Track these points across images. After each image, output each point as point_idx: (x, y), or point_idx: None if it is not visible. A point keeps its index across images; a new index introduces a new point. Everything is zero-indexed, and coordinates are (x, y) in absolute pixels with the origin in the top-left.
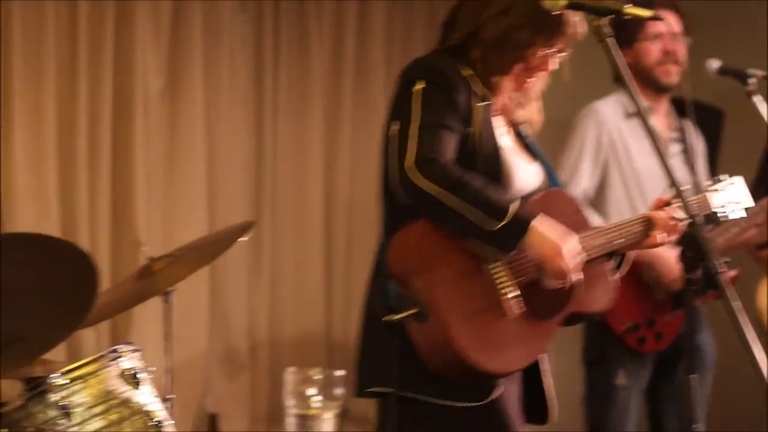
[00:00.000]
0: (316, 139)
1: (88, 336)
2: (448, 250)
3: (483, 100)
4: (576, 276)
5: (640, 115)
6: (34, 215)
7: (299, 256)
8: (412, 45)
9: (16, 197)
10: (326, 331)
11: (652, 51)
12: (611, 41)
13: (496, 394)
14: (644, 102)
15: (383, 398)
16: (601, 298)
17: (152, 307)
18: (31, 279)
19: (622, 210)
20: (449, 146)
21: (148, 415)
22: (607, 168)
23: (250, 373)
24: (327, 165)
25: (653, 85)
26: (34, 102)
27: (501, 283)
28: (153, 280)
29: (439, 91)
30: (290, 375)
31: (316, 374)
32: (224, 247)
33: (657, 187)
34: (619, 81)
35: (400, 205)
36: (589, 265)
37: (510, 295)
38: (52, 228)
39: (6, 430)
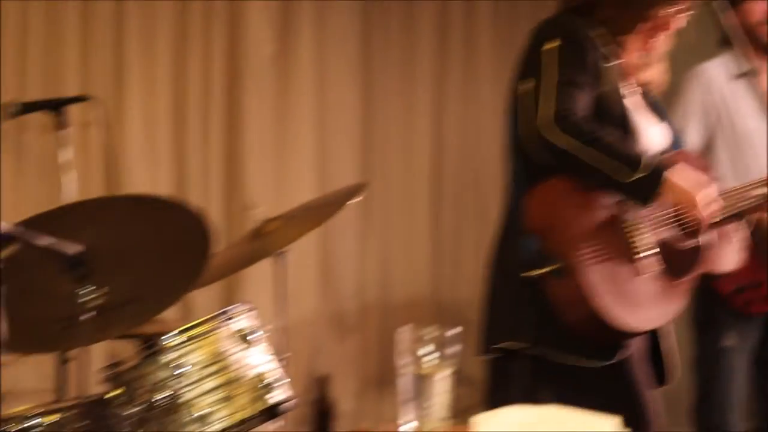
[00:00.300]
0: (425, 101)
1: (201, 297)
2: (586, 206)
3: (611, 60)
4: (711, 222)
5: (746, 75)
6: (147, 179)
7: (407, 218)
8: (519, 4)
9: (130, 162)
10: (435, 291)
11: (757, 11)
12: (720, 2)
13: (624, 354)
14: (751, 63)
15: (510, 356)
16: (729, 259)
17: (263, 268)
18: (147, 240)
19: (727, 172)
20: (583, 103)
21: (261, 375)
22: (713, 130)
23: (360, 335)
24: (435, 126)
25: (759, 46)
26: (149, 68)
27: (637, 240)
28: (265, 241)
29: (572, 50)
30: (404, 334)
31: (430, 333)
32: (335, 209)
33: (763, 149)
34: (725, 43)
35: (534, 163)
36: (717, 226)
37: (645, 253)
38: (164, 191)
39: (122, 389)
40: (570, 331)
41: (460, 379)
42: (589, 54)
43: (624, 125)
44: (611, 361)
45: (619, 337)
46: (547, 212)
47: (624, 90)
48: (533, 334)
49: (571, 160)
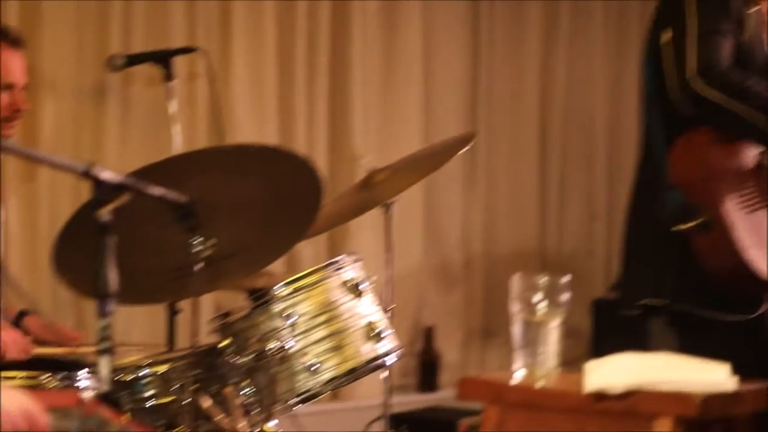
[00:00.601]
0: (533, 51)
1: (308, 248)
2: (731, 158)
3: (751, 7)
4: None
5: None
6: (253, 131)
7: (513, 170)
8: None
9: (236, 113)
10: (540, 243)
11: None
12: None
13: (764, 308)
14: None
15: (650, 311)
16: None
17: (368, 219)
18: (256, 190)
19: None
20: (728, 52)
21: (369, 325)
22: None
23: (465, 286)
24: (543, 77)
25: None
26: (255, 19)
27: None
28: (373, 192)
29: None
30: (515, 281)
31: (542, 280)
32: (442, 160)
33: None
34: None
35: (674, 114)
36: None
37: None
38: (270, 143)
39: (231, 339)
40: (712, 285)
41: (567, 330)
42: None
43: (765, 73)
44: (753, 315)
45: (765, 289)
46: (691, 165)
47: (765, 37)
48: (675, 289)
49: (717, 113)
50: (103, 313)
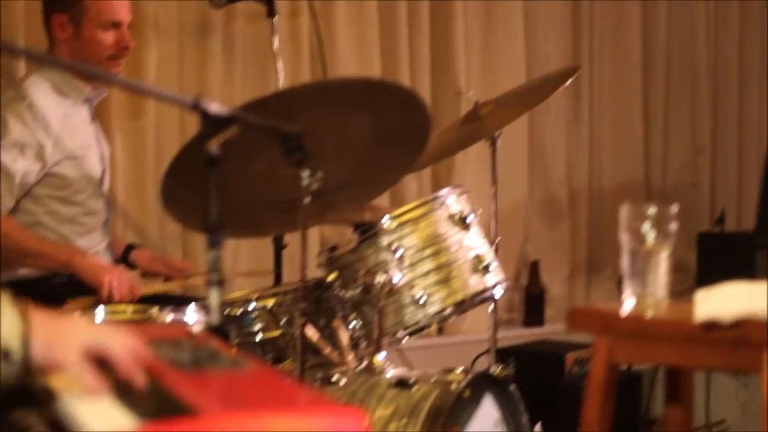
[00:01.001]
0: None
1: (411, 182)
2: None
3: None
4: None
5: None
6: (356, 67)
7: (617, 103)
8: None
9: (338, 49)
10: (645, 178)
11: None
12: None
13: None
14: None
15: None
16: None
17: (473, 153)
18: (363, 124)
19: None
20: None
21: (477, 258)
22: None
23: (570, 221)
24: (645, 8)
25: None
26: None
27: None
28: (478, 125)
29: None
30: (624, 210)
31: (650, 209)
32: (547, 93)
33: None
34: None
35: None
36: None
37: None
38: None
39: (337, 273)
40: None
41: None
42: None
43: None
44: None
45: None
46: None
47: None
48: None
49: None
50: (212, 245)
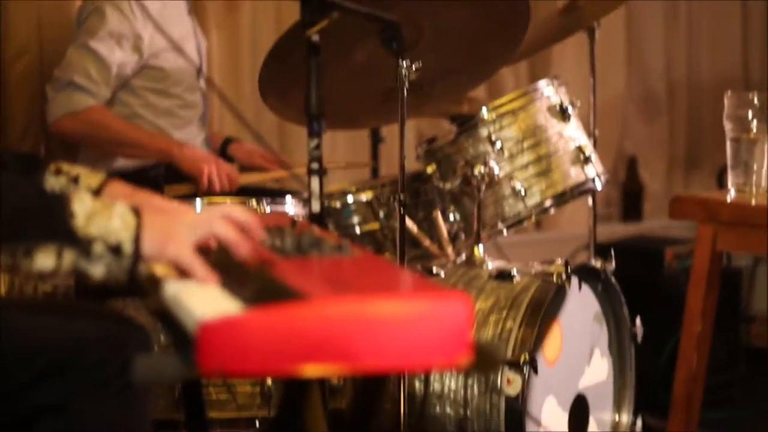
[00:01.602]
0: None
1: (508, 75)
2: None
3: None
4: None
5: None
6: None
7: None
8: None
9: None
10: (744, 74)
11: None
12: None
13: None
14: None
15: None
16: None
17: (570, 46)
18: (464, 12)
19: None
20: None
21: (578, 149)
22: None
23: (669, 116)
24: None
25: None
26: None
27: None
28: (575, 16)
29: None
30: (728, 98)
31: (755, 97)
32: None
33: None
34: None
35: None
36: None
37: None
38: None
39: (436, 165)
40: None
41: None
42: None
43: None
44: None
45: None
46: None
47: None
48: None
49: None
50: (312, 133)
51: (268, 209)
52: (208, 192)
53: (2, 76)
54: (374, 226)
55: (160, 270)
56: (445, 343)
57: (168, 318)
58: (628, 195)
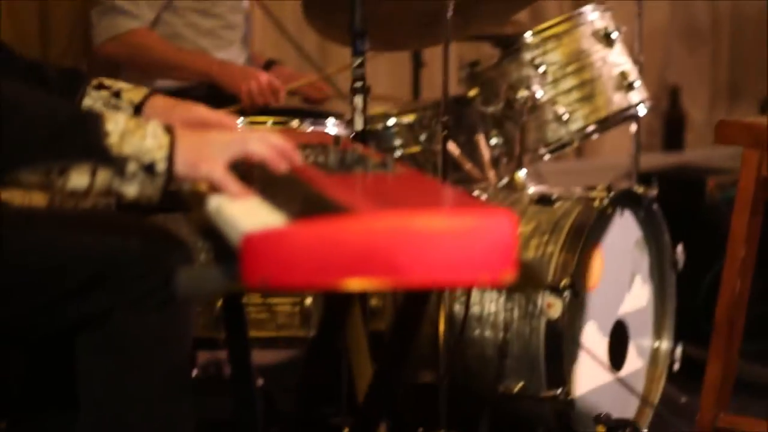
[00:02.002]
0: None
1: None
2: None
3: None
4: None
5: None
6: None
7: None
8: None
9: None
10: None
11: None
12: None
13: None
14: None
15: None
16: None
17: None
18: None
19: None
20: None
21: (622, 74)
22: None
23: (712, 46)
24: None
25: None
26: None
27: None
28: None
29: None
30: None
31: None
32: None
33: None
34: None
35: None
36: None
37: None
38: None
39: (478, 88)
40: None
41: None
42: None
43: None
44: None
45: None
46: None
47: None
48: None
49: None
50: (356, 52)
51: (312, 128)
52: (252, 106)
53: None
54: (415, 149)
55: (204, 186)
56: (490, 260)
57: (212, 233)
58: (670, 124)
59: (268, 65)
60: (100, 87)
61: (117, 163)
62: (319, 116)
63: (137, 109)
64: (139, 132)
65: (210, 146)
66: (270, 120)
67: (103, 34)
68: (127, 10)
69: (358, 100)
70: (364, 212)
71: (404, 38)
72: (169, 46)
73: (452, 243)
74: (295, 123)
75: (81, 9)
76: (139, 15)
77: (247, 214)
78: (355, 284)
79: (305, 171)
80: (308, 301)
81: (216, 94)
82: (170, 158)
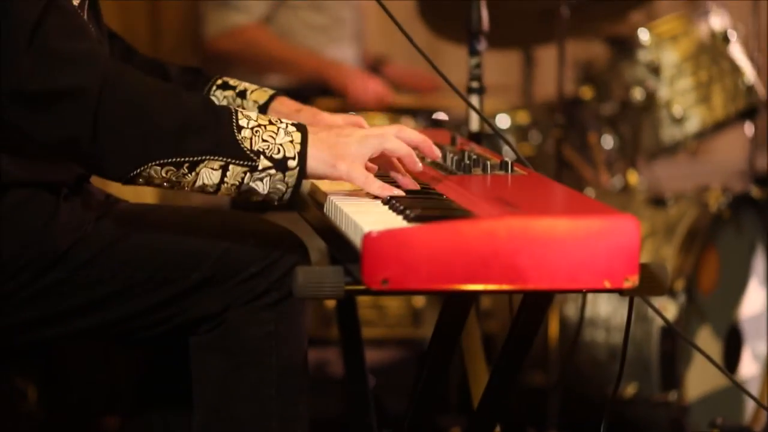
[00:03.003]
0: None
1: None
2: None
3: None
4: None
5: None
6: None
7: None
8: None
9: None
10: None
11: None
12: None
13: None
14: None
15: None
16: None
17: None
18: None
19: None
20: None
21: (739, 75)
22: None
23: None
24: None
25: None
26: None
27: None
28: None
29: None
30: None
31: None
32: None
33: None
34: None
35: None
36: None
37: None
38: None
39: (593, 88)
40: None
41: None
42: None
43: None
44: None
45: None
46: None
47: None
48: None
49: None
50: (474, 52)
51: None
52: (358, 108)
53: None
54: (527, 149)
55: (324, 185)
56: (614, 265)
57: (330, 233)
58: None
59: (378, 64)
60: (225, 86)
61: (249, 159)
62: (430, 113)
63: (261, 110)
64: (271, 128)
65: (346, 143)
66: (377, 118)
67: (214, 29)
68: (238, 4)
69: (475, 100)
70: (487, 216)
71: (517, 36)
72: (282, 43)
73: (576, 248)
74: (404, 121)
75: (191, 5)
76: (251, 10)
77: (368, 215)
78: (476, 288)
79: (424, 172)
80: (419, 301)
81: (324, 92)
82: (303, 155)
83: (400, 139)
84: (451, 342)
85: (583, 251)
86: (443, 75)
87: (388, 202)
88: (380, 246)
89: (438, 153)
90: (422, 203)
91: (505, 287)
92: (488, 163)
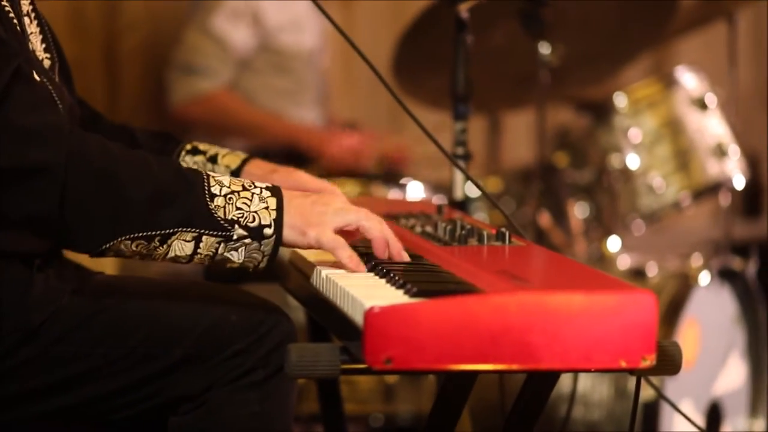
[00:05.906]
0: None
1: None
2: None
3: None
4: None
5: None
6: None
7: None
8: None
9: None
10: None
11: None
12: None
13: None
14: None
15: None
16: None
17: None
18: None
19: None
20: None
21: (717, 143)
22: None
23: None
24: None
25: None
26: None
27: None
28: (715, 4)
29: None
30: None
31: None
32: None
33: None
34: None
35: None
36: None
37: None
38: None
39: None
40: None
41: None
42: None
43: None
44: None
45: None
46: None
47: None
48: None
49: None
50: (458, 116)
51: (391, 193)
52: (331, 172)
53: (113, 52)
54: (500, 216)
55: (310, 255)
56: (631, 343)
57: (320, 307)
58: (748, 191)
59: (346, 128)
60: (195, 151)
61: (223, 229)
62: (401, 179)
63: (234, 175)
64: (245, 194)
65: (321, 213)
66: (348, 184)
67: (180, 96)
68: (205, 71)
69: (460, 167)
70: (496, 291)
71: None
72: (251, 108)
73: (591, 324)
74: (376, 187)
75: (152, 67)
76: (218, 75)
77: (365, 288)
78: (486, 368)
79: (416, 243)
80: (391, 377)
81: (294, 156)
82: (279, 222)
83: (378, 223)
84: (452, 422)
85: (599, 328)
86: (437, 142)
87: (386, 275)
88: (384, 323)
89: (405, 257)
90: (421, 276)
91: (515, 367)
92: (484, 233)
